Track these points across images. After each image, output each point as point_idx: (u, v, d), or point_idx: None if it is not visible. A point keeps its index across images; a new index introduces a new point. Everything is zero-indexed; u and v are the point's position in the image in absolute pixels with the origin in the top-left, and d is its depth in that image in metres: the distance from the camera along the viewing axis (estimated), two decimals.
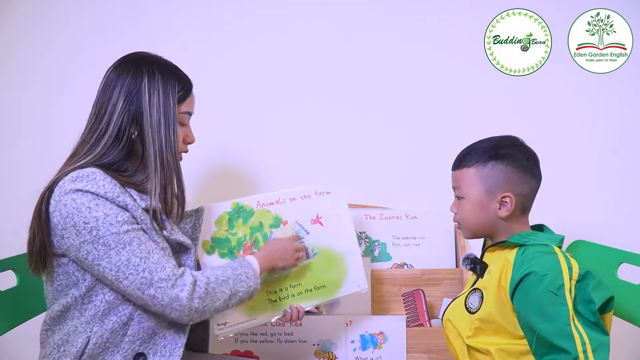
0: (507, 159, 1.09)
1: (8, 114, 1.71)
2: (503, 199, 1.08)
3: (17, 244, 1.23)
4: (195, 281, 1.03)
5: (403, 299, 1.54)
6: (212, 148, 1.65)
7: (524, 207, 1.10)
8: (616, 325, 1.23)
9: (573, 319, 0.95)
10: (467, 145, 1.15)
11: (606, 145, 1.66)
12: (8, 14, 1.69)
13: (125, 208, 1.02)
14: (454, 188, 1.16)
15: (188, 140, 1.16)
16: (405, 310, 1.53)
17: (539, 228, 1.15)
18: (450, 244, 1.59)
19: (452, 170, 1.16)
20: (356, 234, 1.36)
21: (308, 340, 1.49)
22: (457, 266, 1.58)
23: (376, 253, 1.61)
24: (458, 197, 1.14)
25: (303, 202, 1.32)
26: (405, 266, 1.60)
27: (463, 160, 1.13)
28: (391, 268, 1.59)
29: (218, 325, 1.23)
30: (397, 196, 1.66)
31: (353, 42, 1.68)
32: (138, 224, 1.03)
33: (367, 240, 1.61)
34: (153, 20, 1.70)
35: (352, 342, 1.49)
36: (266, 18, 1.69)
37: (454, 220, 1.18)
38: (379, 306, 1.54)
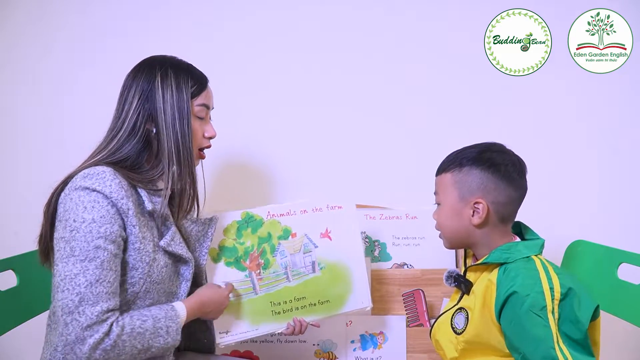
0: (483, 164, 1.06)
1: (8, 114, 1.71)
2: (475, 205, 1.06)
3: (17, 244, 1.24)
4: (108, 331, 0.96)
5: (403, 299, 1.54)
6: (217, 149, 1.65)
7: (502, 216, 1.07)
8: (616, 325, 1.23)
9: (558, 342, 0.93)
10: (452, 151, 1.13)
11: (606, 145, 1.66)
12: (8, 14, 1.69)
13: (125, 213, 1.02)
14: (434, 194, 1.15)
15: (208, 134, 1.17)
16: (405, 310, 1.53)
17: (517, 227, 1.13)
18: None
19: (435, 176, 1.15)
20: (364, 250, 1.35)
21: (308, 340, 1.49)
22: (457, 266, 1.58)
23: (376, 253, 1.61)
24: (437, 204, 1.13)
25: (314, 215, 1.31)
26: (405, 266, 1.60)
27: (443, 166, 1.12)
28: (391, 268, 1.59)
29: (220, 333, 1.22)
30: (397, 196, 1.66)
31: (353, 42, 1.68)
32: (119, 246, 1.01)
33: (367, 240, 1.61)
34: (155, 20, 1.70)
35: (352, 342, 1.49)
36: (269, 19, 1.69)
37: (435, 228, 1.15)
38: (379, 306, 1.54)
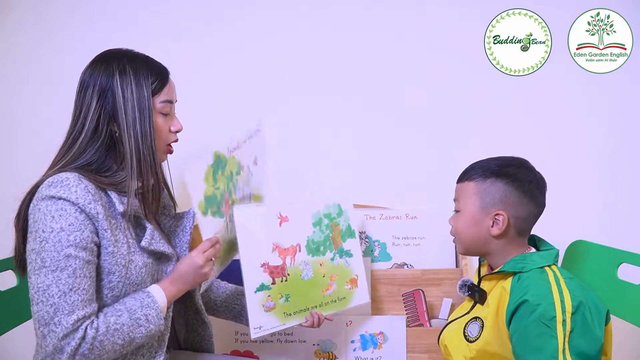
0: (508, 178, 1.08)
1: (8, 114, 1.71)
2: (496, 217, 1.07)
3: None
4: (83, 336, 0.95)
5: (403, 299, 1.54)
6: (215, 148, 1.65)
7: (520, 230, 1.09)
8: (616, 325, 1.23)
9: (564, 353, 0.93)
10: (476, 160, 1.15)
11: (606, 145, 1.66)
12: (8, 14, 1.69)
13: (94, 218, 1.00)
14: (454, 200, 1.16)
15: (174, 128, 1.14)
16: (405, 310, 1.53)
17: (531, 240, 1.14)
18: (450, 244, 1.58)
19: (457, 183, 1.16)
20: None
21: (308, 340, 1.50)
22: (457, 266, 1.58)
23: (376, 253, 1.61)
24: (456, 210, 1.14)
25: (251, 142, 1.33)
26: (405, 266, 1.60)
27: (467, 174, 1.13)
28: (391, 268, 1.59)
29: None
30: (397, 196, 1.66)
31: (353, 42, 1.68)
32: (91, 252, 0.99)
33: (367, 240, 1.61)
34: (153, 20, 1.69)
35: (352, 342, 1.49)
36: (267, 18, 1.69)
37: (450, 233, 1.17)
38: (379, 306, 1.54)
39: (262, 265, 1.25)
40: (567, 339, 0.94)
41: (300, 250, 1.32)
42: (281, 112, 1.70)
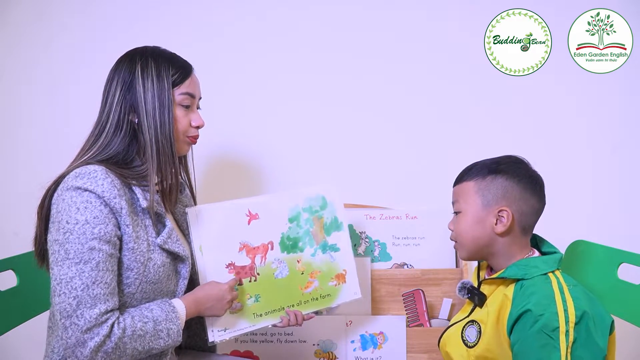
0: (507, 173, 1.07)
1: (8, 114, 1.71)
2: (499, 213, 1.06)
3: (17, 244, 1.24)
4: (109, 333, 0.96)
5: (403, 299, 1.54)
6: (216, 147, 1.65)
7: (524, 226, 1.07)
8: (616, 325, 1.23)
9: None
10: (472, 163, 1.14)
11: (606, 145, 1.66)
12: (8, 14, 1.69)
13: (118, 213, 1.01)
14: (452, 204, 1.14)
15: (194, 123, 1.15)
16: (405, 310, 1.53)
17: (534, 240, 1.13)
18: (450, 243, 1.58)
19: (453, 186, 1.14)
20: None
21: (308, 340, 1.50)
22: (457, 266, 1.58)
23: (376, 253, 1.61)
24: (456, 213, 1.13)
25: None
26: (405, 266, 1.60)
27: (464, 175, 1.12)
28: (391, 268, 1.59)
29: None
30: (397, 196, 1.66)
31: (353, 42, 1.68)
32: (114, 245, 1.00)
33: (367, 240, 1.61)
34: (154, 20, 1.70)
35: (352, 342, 1.49)
36: (268, 18, 1.69)
37: (450, 239, 1.15)
38: (379, 306, 1.54)
39: (228, 266, 1.22)
40: (569, 350, 0.93)
41: (272, 248, 1.26)
42: (281, 112, 1.70)
